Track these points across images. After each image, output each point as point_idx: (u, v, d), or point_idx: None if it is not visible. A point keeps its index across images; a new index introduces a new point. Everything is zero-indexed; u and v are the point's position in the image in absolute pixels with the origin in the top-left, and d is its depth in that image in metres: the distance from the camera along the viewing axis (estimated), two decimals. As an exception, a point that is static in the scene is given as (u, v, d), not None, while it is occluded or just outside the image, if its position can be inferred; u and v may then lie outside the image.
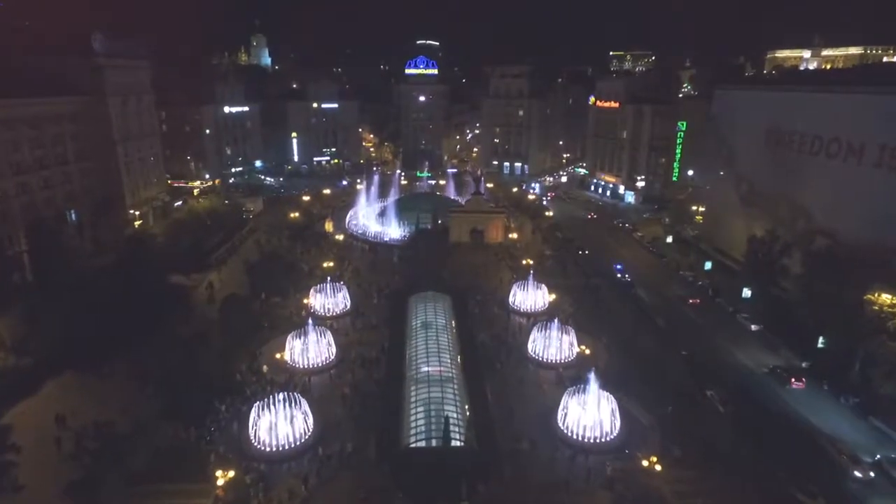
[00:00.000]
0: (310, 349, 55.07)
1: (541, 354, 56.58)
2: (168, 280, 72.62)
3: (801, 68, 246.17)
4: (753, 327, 65.04)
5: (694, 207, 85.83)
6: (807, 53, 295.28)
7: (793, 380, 53.37)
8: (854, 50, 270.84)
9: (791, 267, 66.56)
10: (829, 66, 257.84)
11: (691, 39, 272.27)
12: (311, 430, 44.06)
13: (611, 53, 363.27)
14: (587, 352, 55.97)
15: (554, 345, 56.76)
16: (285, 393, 43.98)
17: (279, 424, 42.63)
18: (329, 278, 69.64)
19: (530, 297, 68.78)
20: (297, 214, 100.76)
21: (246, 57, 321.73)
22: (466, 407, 46.33)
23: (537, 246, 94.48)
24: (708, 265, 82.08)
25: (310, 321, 55.86)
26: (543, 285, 69.31)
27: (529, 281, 69.27)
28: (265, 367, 53.26)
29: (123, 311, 57.61)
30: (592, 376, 45.22)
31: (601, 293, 73.61)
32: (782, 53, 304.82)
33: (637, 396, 48.59)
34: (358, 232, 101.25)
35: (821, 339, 57.75)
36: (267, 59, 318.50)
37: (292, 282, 74.07)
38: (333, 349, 56.51)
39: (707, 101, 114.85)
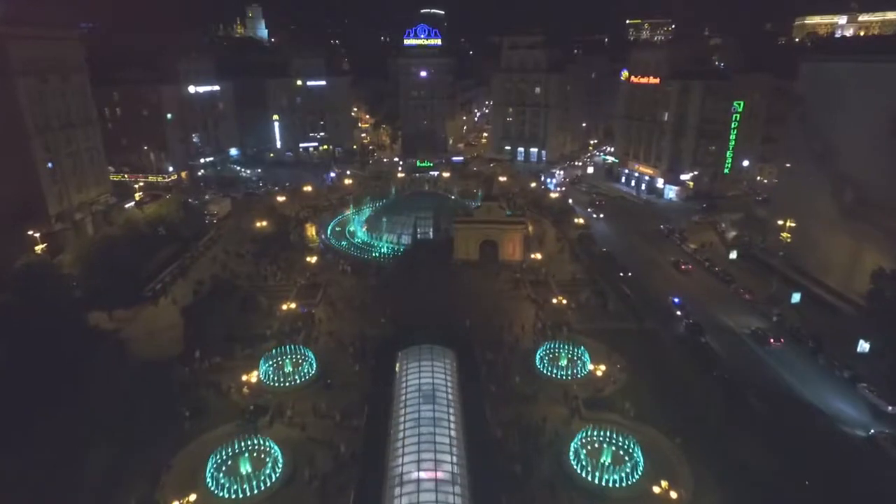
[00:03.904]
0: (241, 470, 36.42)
1: (585, 469, 37.33)
2: (83, 322, 54.91)
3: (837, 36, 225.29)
4: (890, 409, 45.29)
5: (780, 221, 64.36)
6: (842, 19, 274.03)
7: None
8: (892, 15, 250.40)
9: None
10: (863, 34, 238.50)
11: (711, 5, 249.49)
12: None
13: (627, 22, 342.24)
14: (669, 490, 34.55)
15: (605, 454, 37.91)
16: None
17: None
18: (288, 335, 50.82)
19: (564, 359, 49.56)
20: (265, 223, 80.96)
21: (242, 29, 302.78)
22: None
23: (565, 264, 74.57)
24: (796, 297, 61.93)
25: (244, 440, 37.01)
26: (583, 347, 49.81)
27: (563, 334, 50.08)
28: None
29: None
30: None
31: (660, 343, 54.30)
32: (813, 20, 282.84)
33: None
34: (341, 244, 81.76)
35: None
36: (263, 31, 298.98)
37: (244, 328, 55.64)
38: (280, 464, 37.79)
39: (772, 75, 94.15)
